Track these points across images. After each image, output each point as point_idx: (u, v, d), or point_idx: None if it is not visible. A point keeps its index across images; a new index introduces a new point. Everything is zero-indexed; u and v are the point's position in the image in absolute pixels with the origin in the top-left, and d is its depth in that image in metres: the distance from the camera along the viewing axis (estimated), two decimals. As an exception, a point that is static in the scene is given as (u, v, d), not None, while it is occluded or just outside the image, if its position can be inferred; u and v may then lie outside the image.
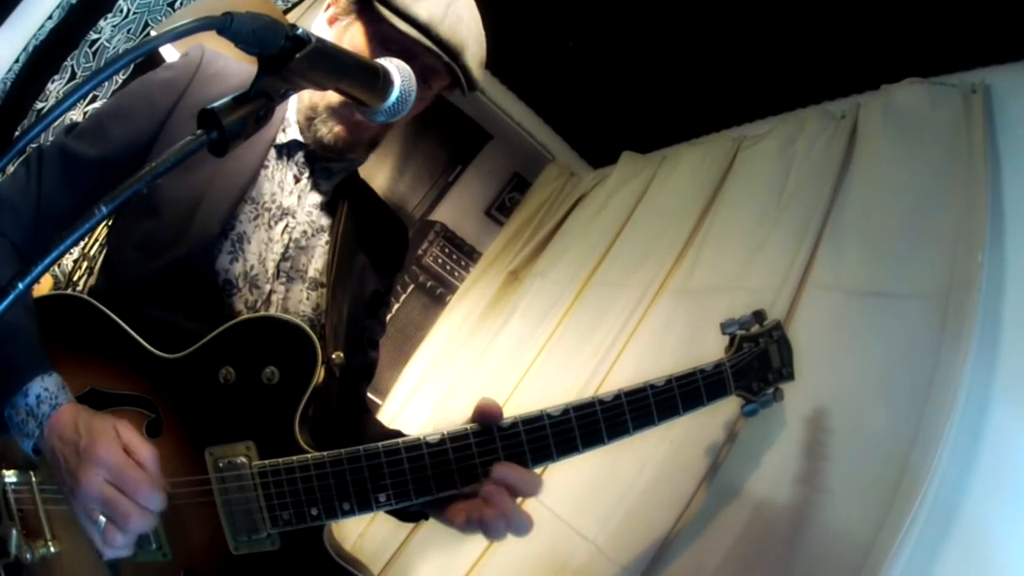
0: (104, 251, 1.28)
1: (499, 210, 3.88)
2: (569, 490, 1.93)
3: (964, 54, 1.58)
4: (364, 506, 1.01)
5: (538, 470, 1.06)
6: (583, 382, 2.16)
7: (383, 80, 0.99)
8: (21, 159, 1.17)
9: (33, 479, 1.06)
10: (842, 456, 1.37)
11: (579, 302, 2.64)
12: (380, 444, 1.00)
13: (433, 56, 1.19)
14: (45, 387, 1.00)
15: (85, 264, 2.87)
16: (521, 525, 0.99)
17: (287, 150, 1.28)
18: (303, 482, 1.01)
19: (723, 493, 1.55)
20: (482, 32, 1.30)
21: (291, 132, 1.28)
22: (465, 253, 3.82)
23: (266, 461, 1.03)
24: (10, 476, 1.07)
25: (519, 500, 1.01)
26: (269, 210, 1.24)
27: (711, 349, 1.78)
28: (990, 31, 1.50)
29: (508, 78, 3.28)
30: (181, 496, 1.04)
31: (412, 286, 3.73)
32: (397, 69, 1.00)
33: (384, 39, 1.19)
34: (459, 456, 1.00)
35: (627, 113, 2.87)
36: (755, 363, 1.24)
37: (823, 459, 1.39)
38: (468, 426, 1.00)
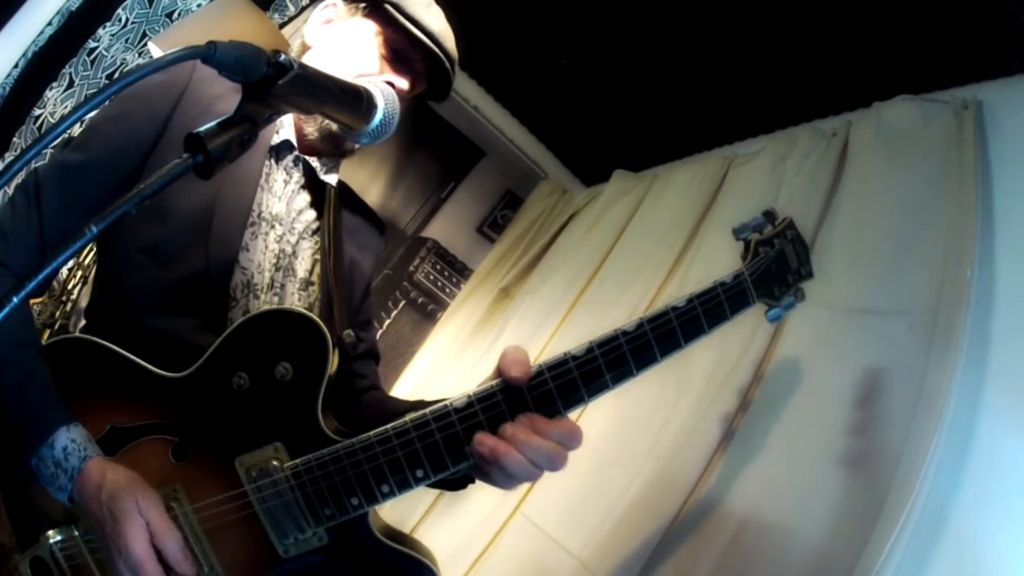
0: (97, 259, 1.28)
1: (491, 227, 3.88)
2: (555, 505, 1.92)
3: (956, 70, 1.58)
4: (403, 485, 0.98)
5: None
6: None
7: (366, 103, 1.02)
8: (18, 186, 1.16)
9: (76, 532, 1.05)
10: (828, 471, 1.35)
11: (569, 319, 2.63)
12: (408, 419, 0.96)
13: (431, 63, 1.34)
14: (72, 438, 1.00)
15: (80, 273, 2.87)
16: (571, 437, 0.92)
17: (277, 152, 1.29)
18: (338, 474, 0.99)
19: (709, 509, 1.54)
20: None
21: (284, 132, 1.29)
22: (456, 270, 3.81)
23: (298, 460, 1.01)
24: (54, 536, 1.05)
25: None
26: (265, 220, 1.24)
27: (699, 365, 1.79)
28: (981, 46, 1.51)
29: (501, 95, 3.30)
30: (223, 514, 1.03)
31: (403, 302, 3.72)
32: (381, 92, 1.04)
33: (391, 41, 1.32)
34: (490, 416, 0.94)
35: (620, 131, 2.88)
36: (773, 267, 1.17)
37: (809, 474, 1.38)
38: (494, 382, 0.95)
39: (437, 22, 1.33)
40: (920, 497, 1.13)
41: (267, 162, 1.27)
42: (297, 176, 1.30)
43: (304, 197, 1.32)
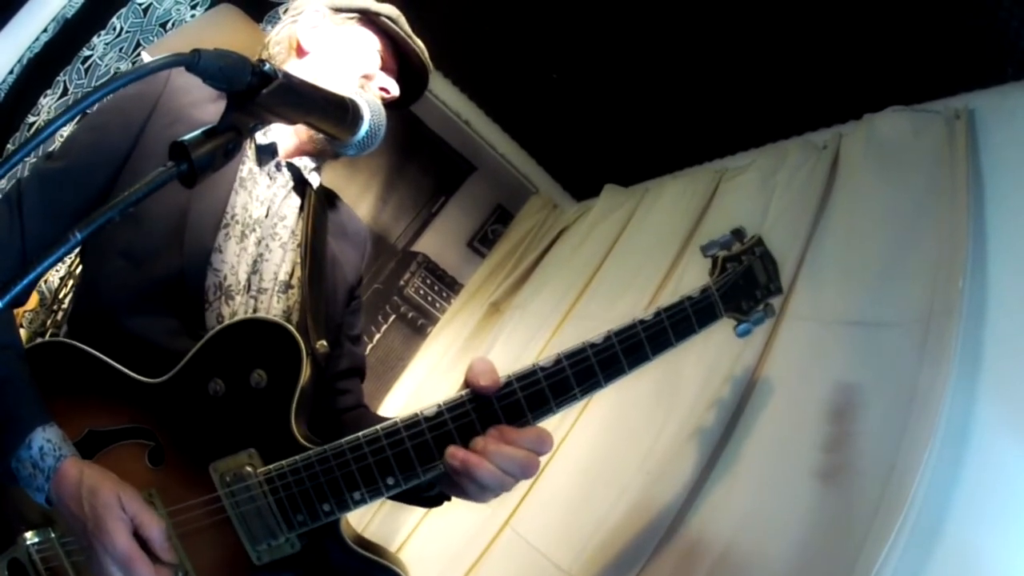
0: (80, 266, 1.28)
1: (481, 242, 3.87)
2: (544, 520, 1.90)
3: (947, 80, 1.57)
4: (374, 492, 1.00)
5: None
6: (562, 413, 2.12)
7: (352, 114, 1.03)
8: (2, 196, 1.18)
9: (53, 535, 1.06)
10: (819, 487, 1.34)
11: (559, 334, 2.62)
12: (379, 427, 0.99)
13: (405, 71, 1.45)
14: (47, 438, 1.00)
15: (71, 283, 2.85)
16: (541, 442, 0.96)
17: (259, 155, 1.29)
18: (310, 480, 1.00)
19: (699, 524, 1.52)
20: None
21: (270, 136, 1.29)
22: (447, 284, 3.80)
23: (271, 466, 1.02)
24: (31, 538, 1.06)
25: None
26: (241, 222, 1.23)
27: (688, 381, 1.77)
28: (972, 55, 1.50)
29: (492, 109, 3.30)
30: (197, 519, 1.03)
31: (393, 317, 3.70)
32: (368, 104, 1.04)
33: (380, 51, 1.39)
34: (459, 425, 0.97)
35: (610, 146, 2.88)
36: (741, 282, 1.21)
37: (800, 490, 1.36)
38: (463, 392, 0.97)
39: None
40: (914, 508, 1.12)
41: (243, 166, 1.27)
42: (283, 180, 1.30)
43: (291, 202, 1.31)
